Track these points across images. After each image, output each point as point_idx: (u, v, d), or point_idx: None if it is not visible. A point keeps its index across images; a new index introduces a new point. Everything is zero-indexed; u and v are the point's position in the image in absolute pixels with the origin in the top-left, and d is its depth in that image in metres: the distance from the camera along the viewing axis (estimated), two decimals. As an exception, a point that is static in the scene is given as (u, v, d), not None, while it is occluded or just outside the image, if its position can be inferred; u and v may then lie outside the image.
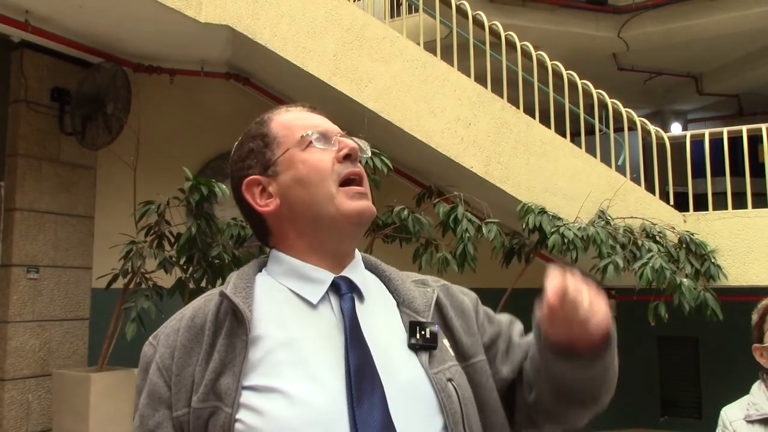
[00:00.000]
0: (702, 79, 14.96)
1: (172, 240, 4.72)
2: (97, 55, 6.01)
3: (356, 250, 1.27)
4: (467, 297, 1.33)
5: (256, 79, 6.56)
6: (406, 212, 5.10)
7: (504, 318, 1.35)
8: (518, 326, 1.35)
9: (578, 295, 1.04)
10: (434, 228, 5.28)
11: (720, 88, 14.86)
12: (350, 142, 1.23)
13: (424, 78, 5.83)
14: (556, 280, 1.04)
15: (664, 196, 6.83)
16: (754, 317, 2.46)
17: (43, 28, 5.46)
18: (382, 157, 4.87)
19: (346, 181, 1.20)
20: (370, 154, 1.56)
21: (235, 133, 1.35)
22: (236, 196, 1.27)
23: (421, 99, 5.74)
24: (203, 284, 4.61)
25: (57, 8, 5.22)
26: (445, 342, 1.19)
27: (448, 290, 1.31)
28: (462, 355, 1.21)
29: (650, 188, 6.63)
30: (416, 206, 5.70)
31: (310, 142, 1.21)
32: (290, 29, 5.52)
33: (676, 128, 15.62)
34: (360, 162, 1.25)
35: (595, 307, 1.06)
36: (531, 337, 1.25)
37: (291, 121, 1.26)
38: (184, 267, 4.73)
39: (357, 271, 1.23)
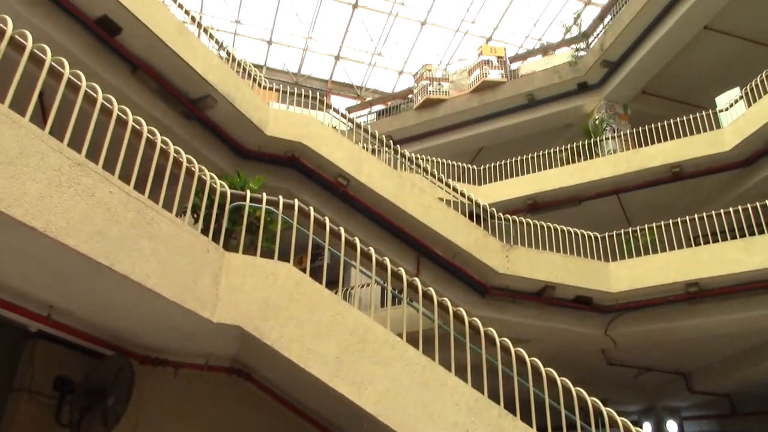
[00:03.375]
0: (691, 378, 15.15)
1: None
2: (107, 346, 6.23)
3: None
4: None
5: (259, 375, 6.69)
6: None
7: None
8: None
9: None
10: None
11: (710, 387, 14.97)
12: None
13: (423, 381, 5.97)
14: None
15: None
16: None
17: (61, 321, 5.74)
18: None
19: None
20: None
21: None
22: None
23: (420, 403, 5.82)
24: None
25: (81, 305, 5.56)
26: None
27: None
28: None
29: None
30: None
31: None
32: (296, 331, 5.81)
33: (672, 426, 15.36)
34: None
35: None
36: None
37: None
38: None
39: None
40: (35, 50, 4.75)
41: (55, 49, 5.01)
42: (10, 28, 4.60)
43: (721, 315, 12.02)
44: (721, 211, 12.02)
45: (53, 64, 4.87)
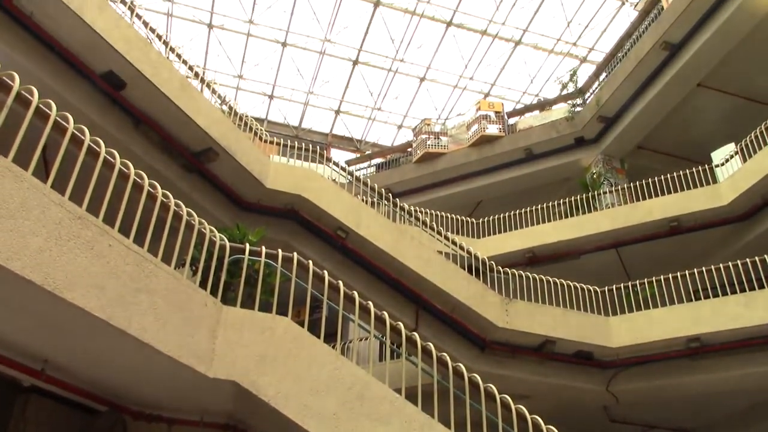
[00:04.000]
0: (695, 436, 14.85)
1: None
2: (100, 401, 6.13)
3: None
4: None
5: None
6: None
7: None
8: None
9: None
10: None
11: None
12: None
13: (422, 439, 5.86)
14: None
15: None
16: None
17: (55, 376, 5.65)
18: None
19: None
20: None
21: None
22: None
23: (419, 462, 5.69)
24: None
25: (76, 359, 5.49)
26: None
27: None
28: None
29: None
30: None
31: None
32: (294, 387, 5.73)
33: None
34: None
35: None
36: None
37: None
38: None
39: None
40: (41, 105, 4.83)
41: (59, 103, 5.10)
42: (17, 84, 4.68)
43: (723, 371, 11.89)
44: (720, 265, 12.01)
45: (58, 119, 4.94)
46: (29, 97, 4.77)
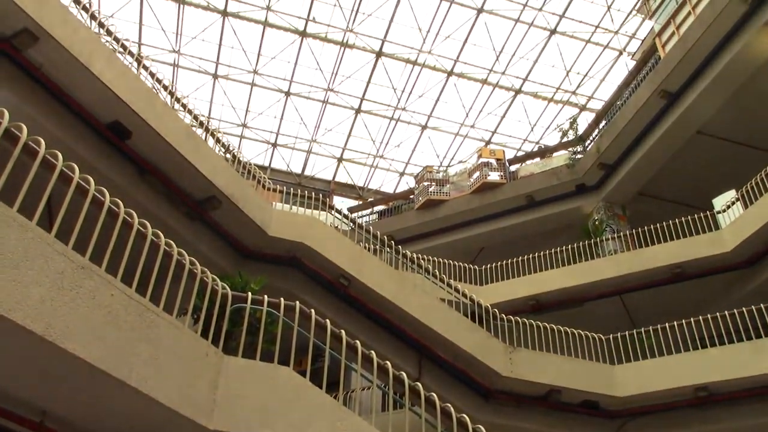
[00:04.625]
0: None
1: None
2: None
3: None
4: None
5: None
6: None
7: None
8: None
9: None
10: None
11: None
12: None
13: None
14: None
15: None
16: None
17: (54, 428, 5.55)
18: None
19: None
20: None
21: None
22: None
23: None
24: None
25: (75, 410, 5.41)
26: None
27: None
28: None
29: None
30: None
31: None
32: (295, 439, 5.63)
33: None
34: None
35: None
36: None
37: None
38: None
39: None
40: (47, 156, 4.89)
41: (64, 150, 5.15)
42: (24, 135, 4.75)
43: (732, 421, 11.67)
44: (726, 312, 11.91)
45: (64, 169, 5.00)
46: (36, 147, 4.83)
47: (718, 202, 15.52)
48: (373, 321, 11.55)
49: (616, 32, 24.65)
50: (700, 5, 15.04)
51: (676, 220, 14.94)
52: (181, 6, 23.10)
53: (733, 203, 14.64)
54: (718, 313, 12.00)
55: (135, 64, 10.50)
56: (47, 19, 8.18)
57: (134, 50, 10.89)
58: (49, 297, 4.42)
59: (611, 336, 12.81)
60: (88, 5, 9.90)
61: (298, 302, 6.51)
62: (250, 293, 6.47)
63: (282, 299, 6.49)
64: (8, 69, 8.43)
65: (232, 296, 6.28)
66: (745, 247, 13.79)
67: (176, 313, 5.61)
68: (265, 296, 6.50)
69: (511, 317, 12.79)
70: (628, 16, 24.16)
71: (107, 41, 10.00)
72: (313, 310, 6.53)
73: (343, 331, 6.52)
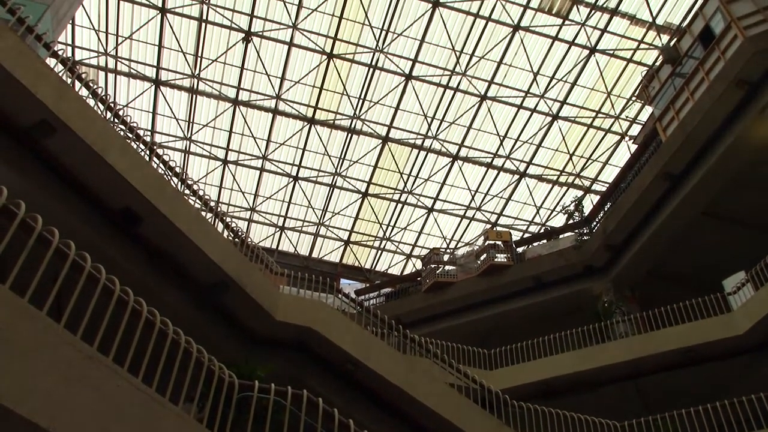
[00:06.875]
0: None
1: None
2: None
3: None
4: None
5: None
6: None
7: None
8: None
9: None
10: None
11: None
12: None
13: None
14: None
15: None
16: None
17: None
18: None
19: None
20: None
21: None
22: None
23: None
24: None
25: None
26: None
27: None
28: None
29: None
30: None
31: None
32: None
33: None
34: None
35: None
36: None
37: None
38: None
39: None
40: (60, 245, 4.96)
41: (74, 235, 5.22)
42: (39, 225, 4.84)
43: None
44: (744, 398, 11.59)
45: (76, 258, 5.06)
46: (50, 237, 4.91)
47: (728, 283, 15.40)
48: (381, 407, 11.28)
49: (617, 117, 25.21)
50: (698, 91, 15.42)
51: (687, 302, 14.78)
52: (193, 96, 23.91)
53: (743, 285, 14.51)
54: (735, 399, 11.67)
55: (147, 152, 10.77)
56: (65, 112, 8.45)
57: (147, 138, 11.19)
58: (55, 389, 4.37)
59: (626, 423, 12.41)
60: (105, 97, 10.27)
61: (305, 391, 6.40)
62: (257, 381, 6.38)
63: (289, 387, 6.38)
64: (23, 156, 8.65)
65: (239, 384, 6.19)
66: (759, 330, 13.57)
67: (182, 401, 5.52)
68: (272, 384, 6.40)
69: (522, 404, 12.45)
70: (627, 102, 24.78)
71: (121, 129, 10.31)
72: (320, 399, 6.41)
73: (351, 421, 6.38)
